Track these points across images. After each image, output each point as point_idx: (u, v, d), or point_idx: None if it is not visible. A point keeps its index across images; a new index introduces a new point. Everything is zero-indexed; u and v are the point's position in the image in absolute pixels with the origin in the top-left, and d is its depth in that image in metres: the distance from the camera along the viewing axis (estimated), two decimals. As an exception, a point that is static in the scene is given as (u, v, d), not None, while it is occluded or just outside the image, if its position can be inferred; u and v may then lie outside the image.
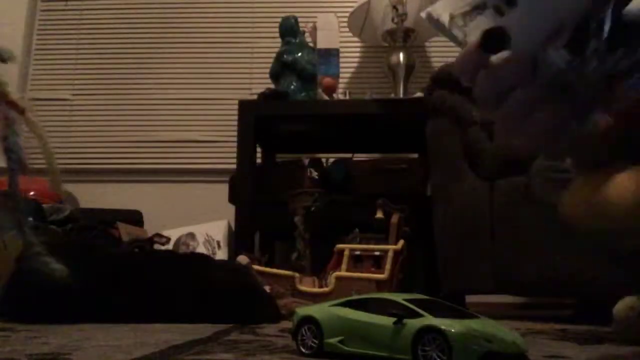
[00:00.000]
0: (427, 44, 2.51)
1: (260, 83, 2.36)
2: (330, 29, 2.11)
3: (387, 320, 0.58)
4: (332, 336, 0.63)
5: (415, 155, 2.24)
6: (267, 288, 1.33)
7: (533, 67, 0.49)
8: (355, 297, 0.66)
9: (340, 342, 0.62)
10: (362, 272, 1.51)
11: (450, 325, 0.54)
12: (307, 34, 2.21)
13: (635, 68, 0.46)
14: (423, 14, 0.59)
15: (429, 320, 0.56)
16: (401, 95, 2.13)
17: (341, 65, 2.12)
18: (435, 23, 0.58)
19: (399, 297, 0.61)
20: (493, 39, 0.51)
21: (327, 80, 2.02)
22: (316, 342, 0.64)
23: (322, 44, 2.09)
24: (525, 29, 0.49)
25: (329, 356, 0.63)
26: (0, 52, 0.76)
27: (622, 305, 0.86)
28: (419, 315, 0.57)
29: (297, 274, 1.52)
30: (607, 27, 0.46)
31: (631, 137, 0.49)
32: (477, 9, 0.56)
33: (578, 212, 0.54)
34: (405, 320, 0.57)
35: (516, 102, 0.50)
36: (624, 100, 0.47)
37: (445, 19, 0.56)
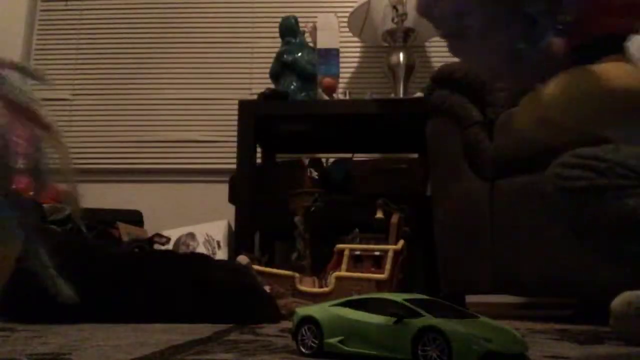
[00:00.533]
0: (427, 44, 2.51)
1: (260, 83, 2.36)
2: (330, 29, 2.11)
3: (387, 320, 0.58)
4: (332, 336, 0.63)
5: (415, 155, 2.24)
6: (267, 288, 1.33)
7: None
8: (355, 297, 0.66)
9: (340, 342, 0.62)
10: (362, 272, 1.51)
11: (450, 325, 0.54)
12: (307, 34, 2.21)
13: None
14: None
15: (429, 320, 0.56)
16: (401, 95, 2.13)
17: (341, 65, 2.12)
18: None
19: (399, 297, 0.61)
20: None
21: (327, 80, 2.02)
22: (316, 342, 0.64)
23: (322, 44, 2.09)
24: None
25: (329, 356, 0.63)
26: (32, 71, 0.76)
27: (619, 300, 0.85)
28: (419, 315, 0.57)
29: (297, 274, 1.53)
30: None
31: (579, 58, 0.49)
32: None
33: (525, 121, 0.54)
34: (405, 320, 0.57)
35: (474, 23, 0.50)
36: (568, 14, 0.48)
37: None
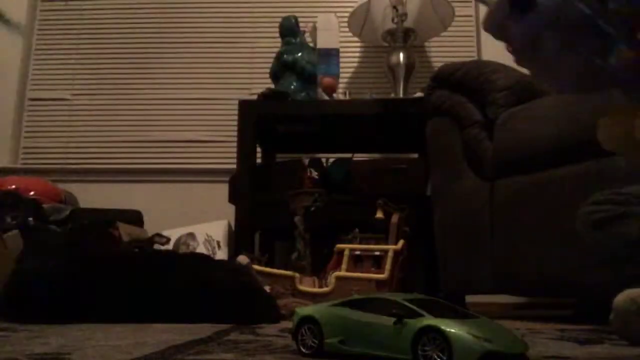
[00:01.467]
0: (427, 44, 2.51)
1: (260, 83, 2.36)
2: (330, 29, 2.11)
3: (387, 320, 0.58)
4: (332, 336, 0.63)
5: (415, 155, 2.24)
6: (267, 288, 1.33)
7: (559, 13, 0.50)
8: (355, 297, 0.66)
9: (340, 342, 0.62)
10: (362, 272, 1.51)
11: (450, 325, 0.54)
12: (307, 34, 2.21)
13: None
14: None
15: (429, 320, 0.56)
16: (401, 95, 2.13)
17: (341, 65, 2.12)
18: None
19: (399, 297, 0.61)
20: None
21: (327, 80, 2.02)
22: (316, 342, 0.64)
23: (322, 44, 2.09)
24: None
25: (329, 356, 0.63)
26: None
27: (622, 297, 0.85)
28: (419, 315, 0.57)
29: (297, 274, 1.52)
30: None
31: None
32: None
33: (614, 146, 0.57)
34: (405, 320, 0.57)
35: (549, 45, 0.51)
36: None
37: None
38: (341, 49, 2.13)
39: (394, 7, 2.15)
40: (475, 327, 0.55)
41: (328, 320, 0.64)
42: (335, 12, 2.26)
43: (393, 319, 0.58)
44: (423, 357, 0.54)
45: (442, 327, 0.54)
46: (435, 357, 0.53)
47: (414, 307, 0.58)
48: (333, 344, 0.62)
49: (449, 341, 0.53)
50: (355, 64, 2.59)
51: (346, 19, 2.30)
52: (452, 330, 0.53)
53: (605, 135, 0.58)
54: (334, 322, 0.63)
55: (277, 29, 2.21)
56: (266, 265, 1.55)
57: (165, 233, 1.86)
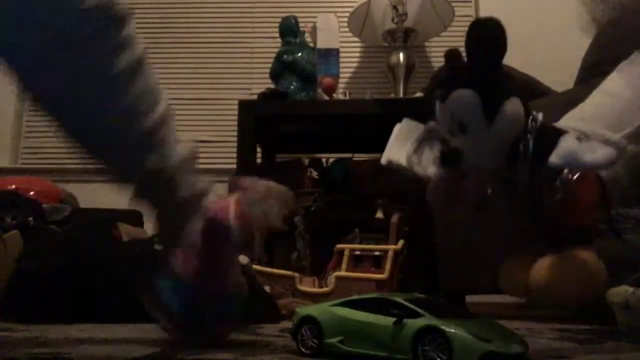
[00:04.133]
0: (427, 44, 2.51)
1: (260, 83, 2.36)
2: (330, 29, 2.10)
3: (387, 320, 0.58)
4: (332, 336, 0.63)
5: (415, 155, 2.23)
6: (267, 288, 1.33)
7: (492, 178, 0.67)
8: (355, 297, 0.66)
9: (340, 342, 0.62)
10: (362, 272, 1.51)
11: (450, 325, 0.54)
12: (307, 34, 2.21)
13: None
14: (383, 161, 0.74)
15: (429, 320, 0.56)
16: (401, 95, 2.13)
17: (341, 65, 2.12)
18: (397, 167, 0.73)
19: (399, 297, 0.61)
20: (451, 156, 0.68)
21: (327, 80, 2.02)
22: (316, 342, 0.64)
23: (322, 44, 2.09)
24: (479, 152, 0.66)
25: (329, 356, 0.63)
26: None
27: (611, 290, 0.87)
28: (419, 315, 0.57)
29: (297, 274, 1.52)
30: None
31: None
32: (424, 142, 0.69)
33: (512, 290, 0.73)
34: (405, 320, 0.57)
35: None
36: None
37: (404, 161, 0.70)
38: (341, 49, 2.13)
39: (394, 7, 2.15)
40: (475, 327, 0.55)
41: (328, 321, 0.64)
42: (335, 12, 2.25)
43: (393, 319, 0.58)
44: (423, 357, 0.54)
45: (443, 327, 0.54)
46: (436, 357, 0.53)
47: (414, 307, 0.58)
48: (333, 344, 0.62)
49: (449, 341, 0.53)
50: (355, 64, 2.59)
51: (346, 19, 2.30)
52: (453, 330, 0.53)
53: (506, 282, 0.74)
54: (334, 322, 0.63)
55: (277, 29, 2.21)
56: (266, 265, 1.55)
57: (165, 233, 1.86)
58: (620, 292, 0.85)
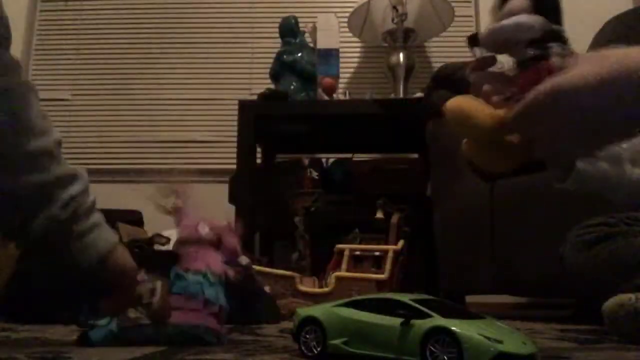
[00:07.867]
0: (427, 44, 2.51)
1: (260, 83, 2.35)
2: (330, 29, 2.10)
3: (394, 321, 0.57)
4: (335, 337, 0.61)
5: (415, 155, 2.24)
6: (267, 288, 1.33)
7: None
8: (358, 297, 0.65)
9: (345, 343, 0.60)
10: (362, 272, 1.51)
11: (460, 326, 0.52)
12: (307, 34, 2.20)
13: None
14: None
15: (438, 320, 0.54)
16: (401, 95, 2.13)
17: (341, 65, 2.12)
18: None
19: (404, 297, 0.59)
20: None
21: (327, 80, 2.02)
22: (319, 343, 0.63)
23: (322, 44, 2.09)
24: None
25: (332, 357, 0.61)
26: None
27: (611, 303, 0.86)
28: (427, 316, 0.55)
29: (297, 274, 1.52)
30: None
31: None
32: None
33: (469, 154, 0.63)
34: (412, 321, 0.55)
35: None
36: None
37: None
38: (341, 49, 2.13)
39: (394, 7, 2.15)
40: (484, 327, 0.54)
41: (331, 321, 0.62)
42: (335, 12, 2.25)
43: (400, 320, 0.56)
44: (432, 359, 0.53)
45: (453, 328, 0.52)
46: (445, 358, 0.52)
47: (422, 308, 0.56)
48: (337, 345, 0.61)
49: (460, 342, 0.51)
50: (355, 64, 2.58)
51: (346, 19, 2.30)
52: (463, 332, 0.52)
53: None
54: (338, 323, 0.61)
55: (277, 29, 2.21)
56: (266, 266, 1.55)
57: (165, 233, 1.85)
58: (624, 302, 0.84)
